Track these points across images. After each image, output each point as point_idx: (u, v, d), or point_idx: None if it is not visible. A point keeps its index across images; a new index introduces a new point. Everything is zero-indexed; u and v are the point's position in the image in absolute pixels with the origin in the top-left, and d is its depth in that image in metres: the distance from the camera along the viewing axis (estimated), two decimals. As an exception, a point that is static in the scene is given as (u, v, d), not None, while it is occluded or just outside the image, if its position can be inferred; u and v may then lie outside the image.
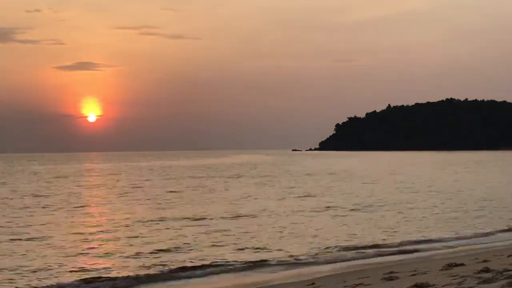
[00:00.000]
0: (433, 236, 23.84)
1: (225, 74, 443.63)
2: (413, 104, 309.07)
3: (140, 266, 18.13)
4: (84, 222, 29.44)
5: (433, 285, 11.13)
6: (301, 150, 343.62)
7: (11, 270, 17.52)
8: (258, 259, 19.18)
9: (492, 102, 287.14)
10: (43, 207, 36.12)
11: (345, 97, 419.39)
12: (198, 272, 17.66)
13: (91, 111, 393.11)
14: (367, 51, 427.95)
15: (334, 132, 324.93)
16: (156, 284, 16.54)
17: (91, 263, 18.72)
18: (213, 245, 21.68)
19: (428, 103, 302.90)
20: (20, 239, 23.22)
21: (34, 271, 17.44)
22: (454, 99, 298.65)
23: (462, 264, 14.23)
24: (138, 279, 16.75)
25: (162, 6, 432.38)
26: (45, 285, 16.02)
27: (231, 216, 30.62)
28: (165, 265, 18.26)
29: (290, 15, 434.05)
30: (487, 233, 24.85)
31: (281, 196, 42.48)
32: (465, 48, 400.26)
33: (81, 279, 16.46)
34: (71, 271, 17.51)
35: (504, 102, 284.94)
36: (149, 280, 16.75)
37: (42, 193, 47.80)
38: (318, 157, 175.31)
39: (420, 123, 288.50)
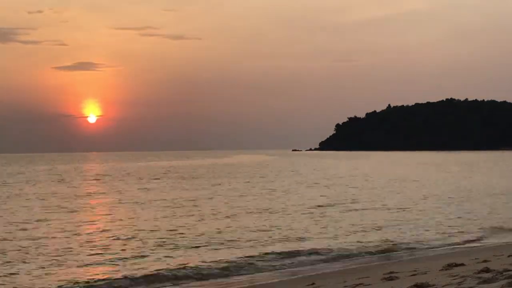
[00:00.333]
0: None
1: (225, 74, 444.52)
2: (413, 104, 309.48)
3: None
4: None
5: (433, 285, 11.12)
6: (301, 150, 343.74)
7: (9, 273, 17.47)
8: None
9: (492, 102, 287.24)
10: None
11: (345, 97, 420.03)
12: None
13: (92, 111, 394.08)
14: (367, 51, 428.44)
15: (334, 132, 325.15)
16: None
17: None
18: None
19: (428, 103, 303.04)
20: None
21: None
22: (454, 99, 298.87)
23: (462, 264, 14.22)
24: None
25: (163, 6, 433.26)
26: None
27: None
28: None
29: (290, 15, 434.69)
30: None
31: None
32: (465, 48, 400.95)
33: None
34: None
35: (504, 102, 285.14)
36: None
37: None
38: (325, 157, 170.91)
39: (420, 123, 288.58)
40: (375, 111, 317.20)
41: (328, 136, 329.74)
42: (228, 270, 17.96)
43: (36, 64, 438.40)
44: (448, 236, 24.05)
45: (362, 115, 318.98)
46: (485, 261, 14.56)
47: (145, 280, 16.73)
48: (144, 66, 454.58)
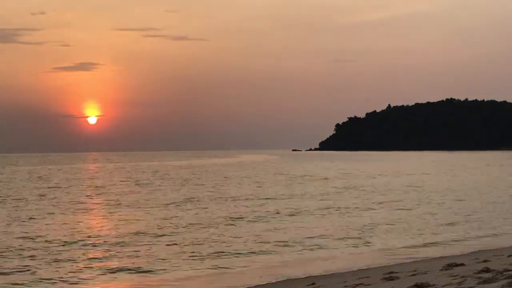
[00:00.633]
0: None
1: (226, 74, 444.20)
2: (413, 104, 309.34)
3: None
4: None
5: (433, 285, 11.13)
6: (301, 150, 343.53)
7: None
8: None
9: (492, 102, 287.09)
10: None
11: (345, 97, 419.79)
12: None
13: (97, 112, 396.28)
14: (367, 52, 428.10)
15: (334, 132, 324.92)
16: None
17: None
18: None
19: (428, 103, 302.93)
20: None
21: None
22: (454, 99, 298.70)
23: (462, 264, 14.23)
24: None
25: (166, 7, 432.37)
26: None
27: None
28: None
29: (291, 16, 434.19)
30: None
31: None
32: (465, 48, 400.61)
33: None
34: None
35: (504, 102, 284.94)
36: None
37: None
38: (332, 158, 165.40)
39: (420, 123, 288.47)
40: (375, 111, 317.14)
41: (328, 136, 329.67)
42: None
43: (38, 65, 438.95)
44: None
45: (362, 115, 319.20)
46: (485, 261, 14.58)
47: None
48: (147, 67, 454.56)
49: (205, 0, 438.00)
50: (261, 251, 20.71)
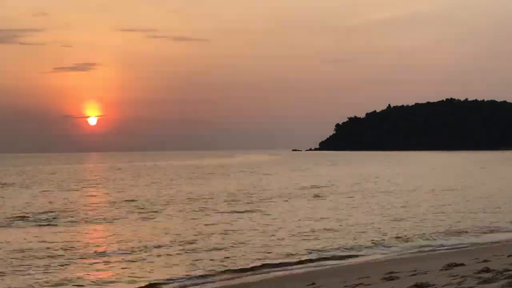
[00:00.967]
0: None
1: (226, 75, 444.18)
2: (413, 104, 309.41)
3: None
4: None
5: (433, 285, 11.11)
6: (301, 150, 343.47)
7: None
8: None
9: (492, 102, 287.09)
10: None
11: (345, 97, 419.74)
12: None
13: (97, 113, 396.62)
14: (367, 52, 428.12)
15: (334, 132, 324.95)
16: None
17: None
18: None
19: (428, 103, 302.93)
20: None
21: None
22: (454, 99, 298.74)
23: (462, 264, 14.21)
24: None
25: (168, 8, 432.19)
26: None
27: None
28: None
29: (292, 17, 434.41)
30: None
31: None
32: (465, 48, 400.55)
33: None
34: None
35: (504, 102, 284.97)
36: None
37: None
38: (351, 163, 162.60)
39: (420, 123, 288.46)
40: (375, 111, 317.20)
41: (328, 136, 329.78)
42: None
43: (40, 65, 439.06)
44: None
45: (362, 115, 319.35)
46: (485, 261, 14.55)
47: None
48: (148, 67, 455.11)
49: (206, 0, 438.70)
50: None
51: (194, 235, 24.26)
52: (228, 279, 17.23)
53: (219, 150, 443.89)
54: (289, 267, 18.63)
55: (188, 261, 19.07)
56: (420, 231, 25.26)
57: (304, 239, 23.28)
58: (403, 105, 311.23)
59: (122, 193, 47.49)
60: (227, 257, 19.65)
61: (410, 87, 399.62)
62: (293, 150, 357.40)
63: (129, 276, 17.17)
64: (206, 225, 27.29)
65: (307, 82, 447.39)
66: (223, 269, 18.16)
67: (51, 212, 33.11)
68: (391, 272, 14.33)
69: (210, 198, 41.29)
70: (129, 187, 55.40)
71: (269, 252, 20.66)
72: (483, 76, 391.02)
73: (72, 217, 31.06)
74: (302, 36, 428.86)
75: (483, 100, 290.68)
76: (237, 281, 16.95)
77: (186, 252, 20.60)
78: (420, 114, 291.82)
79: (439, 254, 19.90)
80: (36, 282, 16.34)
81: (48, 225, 27.95)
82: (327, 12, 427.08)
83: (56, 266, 18.27)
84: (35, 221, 29.06)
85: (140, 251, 20.85)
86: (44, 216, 31.19)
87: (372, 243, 22.43)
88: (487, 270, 11.86)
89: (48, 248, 21.26)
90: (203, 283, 16.77)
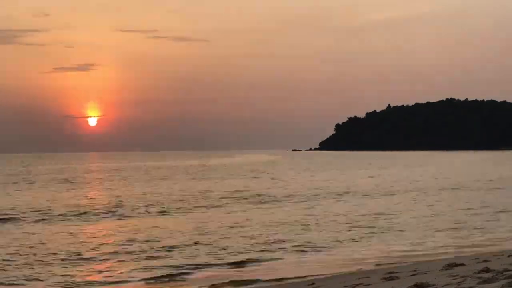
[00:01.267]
0: None
1: (226, 75, 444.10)
2: (413, 104, 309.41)
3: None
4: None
5: (433, 285, 11.11)
6: (301, 150, 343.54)
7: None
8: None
9: (492, 102, 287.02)
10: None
11: (345, 97, 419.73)
12: None
13: (97, 113, 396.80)
14: (367, 52, 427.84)
15: (334, 132, 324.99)
16: None
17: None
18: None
19: (428, 103, 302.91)
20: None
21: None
22: (454, 99, 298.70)
23: (462, 264, 14.21)
24: None
25: (169, 9, 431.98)
26: None
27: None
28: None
29: (292, 17, 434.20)
30: None
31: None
32: (465, 48, 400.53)
33: None
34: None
35: (504, 102, 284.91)
36: None
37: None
38: (342, 159, 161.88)
39: (420, 123, 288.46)
40: (375, 111, 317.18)
41: (328, 136, 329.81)
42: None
43: (40, 66, 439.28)
44: None
45: (362, 115, 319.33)
46: (485, 261, 14.55)
47: None
48: (149, 68, 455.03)
49: (207, 1, 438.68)
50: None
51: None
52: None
53: (219, 150, 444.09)
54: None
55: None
56: None
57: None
58: (403, 105, 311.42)
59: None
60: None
61: (410, 87, 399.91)
62: (293, 150, 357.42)
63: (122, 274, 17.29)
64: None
65: (307, 82, 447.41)
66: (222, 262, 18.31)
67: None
68: (391, 272, 14.34)
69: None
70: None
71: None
72: (483, 76, 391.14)
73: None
74: (302, 36, 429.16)
75: (483, 100, 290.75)
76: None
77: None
78: (420, 114, 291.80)
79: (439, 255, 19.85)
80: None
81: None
82: (327, 12, 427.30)
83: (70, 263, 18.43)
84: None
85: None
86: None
87: None
88: (487, 270, 11.86)
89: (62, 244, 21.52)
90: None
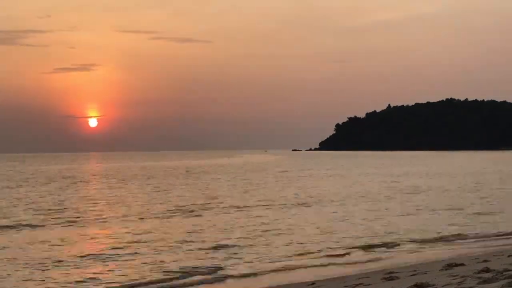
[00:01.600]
0: None
1: (226, 75, 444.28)
2: (413, 104, 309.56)
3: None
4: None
5: (433, 285, 11.12)
6: (301, 150, 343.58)
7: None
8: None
9: (492, 102, 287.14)
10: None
11: (345, 97, 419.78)
12: None
13: (98, 113, 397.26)
14: (367, 52, 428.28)
15: (334, 132, 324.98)
16: None
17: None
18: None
19: (428, 103, 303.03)
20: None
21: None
22: (454, 99, 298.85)
23: (462, 264, 14.22)
24: None
25: (171, 10, 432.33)
26: None
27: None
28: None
29: (293, 18, 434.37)
30: None
31: None
32: (466, 48, 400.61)
33: None
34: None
35: (504, 102, 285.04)
36: None
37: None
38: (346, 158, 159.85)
39: (420, 123, 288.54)
40: (375, 111, 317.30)
41: (328, 136, 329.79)
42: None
43: (42, 66, 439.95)
44: None
45: (362, 115, 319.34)
46: (485, 261, 14.56)
47: None
48: (152, 69, 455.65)
49: (210, 2, 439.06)
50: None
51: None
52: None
53: (219, 150, 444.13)
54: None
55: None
56: None
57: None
58: (403, 105, 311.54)
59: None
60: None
61: (410, 87, 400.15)
62: (293, 150, 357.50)
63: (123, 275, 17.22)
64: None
65: (307, 82, 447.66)
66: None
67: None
68: (391, 272, 14.35)
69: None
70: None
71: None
72: (483, 76, 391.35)
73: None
74: (302, 36, 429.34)
75: (483, 100, 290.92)
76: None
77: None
78: (420, 114, 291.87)
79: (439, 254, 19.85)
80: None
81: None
82: (328, 12, 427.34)
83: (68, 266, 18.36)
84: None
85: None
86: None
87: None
88: (487, 270, 11.86)
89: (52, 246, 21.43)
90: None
